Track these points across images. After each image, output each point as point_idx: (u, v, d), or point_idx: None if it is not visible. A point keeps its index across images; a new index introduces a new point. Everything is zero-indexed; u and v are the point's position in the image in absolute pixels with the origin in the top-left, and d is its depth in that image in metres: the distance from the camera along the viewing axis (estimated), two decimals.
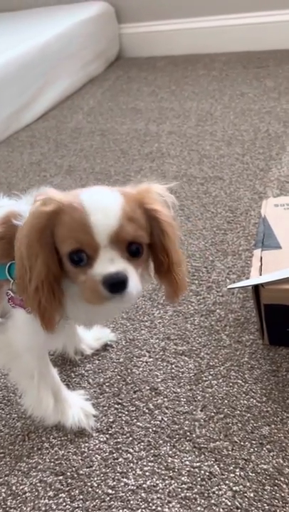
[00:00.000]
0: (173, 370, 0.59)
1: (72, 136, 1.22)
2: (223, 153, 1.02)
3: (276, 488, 0.46)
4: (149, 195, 0.45)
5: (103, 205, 0.41)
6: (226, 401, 0.54)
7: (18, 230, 0.43)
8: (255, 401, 0.54)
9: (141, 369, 0.60)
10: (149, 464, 0.50)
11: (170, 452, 0.51)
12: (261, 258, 0.57)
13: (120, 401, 0.57)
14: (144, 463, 0.50)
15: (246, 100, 1.22)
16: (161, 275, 0.46)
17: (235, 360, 0.59)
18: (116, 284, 0.40)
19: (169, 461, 0.50)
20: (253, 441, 0.50)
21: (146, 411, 0.55)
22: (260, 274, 0.55)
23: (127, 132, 1.19)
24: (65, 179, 1.04)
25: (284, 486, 0.46)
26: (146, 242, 0.43)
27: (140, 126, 1.21)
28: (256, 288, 0.55)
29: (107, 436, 0.53)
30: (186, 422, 0.53)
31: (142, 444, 0.52)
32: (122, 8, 1.65)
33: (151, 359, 0.61)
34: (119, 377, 0.59)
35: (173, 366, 0.59)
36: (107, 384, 0.59)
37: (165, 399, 0.56)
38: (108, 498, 0.48)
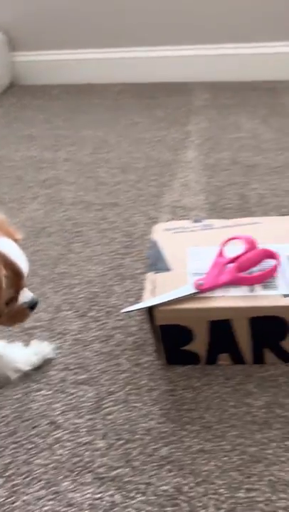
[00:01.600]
0: (72, 401, 0.58)
1: None
2: (118, 180, 1.05)
3: (176, 508, 0.46)
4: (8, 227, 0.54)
5: (17, 251, 0.50)
6: (126, 426, 0.54)
7: None
8: (154, 422, 0.54)
9: (39, 403, 0.58)
10: (49, 502, 0.48)
11: (71, 487, 0.49)
12: (153, 281, 0.59)
13: (17, 440, 0.54)
14: (44, 502, 0.48)
15: (139, 129, 1.27)
16: None
17: (134, 384, 0.59)
18: (36, 303, 0.55)
19: (70, 496, 0.48)
20: (153, 464, 0.50)
21: (46, 447, 0.53)
22: (153, 297, 0.56)
23: (22, 159, 1.17)
24: None
25: (183, 505, 0.47)
26: None
27: (35, 153, 1.20)
28: (150, 310, 0.56)
29: (3, 479, 0.50)
30: (87, 452, 0.52)
31: (41, 482, 0.50)
32: (15, 37, 1.64)
33: (50, 392, 0.59)
34: (15, 414, 0.57)
35: (72, 397, 0.58)
36: (3, 423, 0.56)
37: (65, 432, 0.54)
38: None
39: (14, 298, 0.51)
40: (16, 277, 0.49)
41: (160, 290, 0.57)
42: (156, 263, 0.61)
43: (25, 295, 0.53)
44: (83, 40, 1.59)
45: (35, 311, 0.56)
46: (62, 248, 0.85)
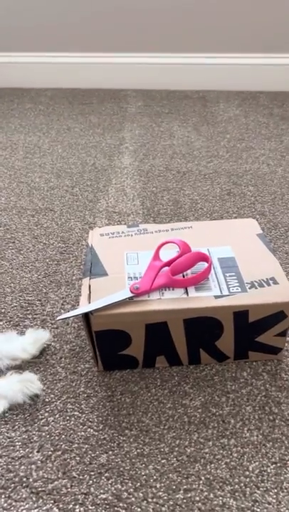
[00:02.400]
0: (6, 414, 0.55)
1: None
2: (52, 185, 1.03)
3: None
4: None
5: None
6: (63, 436, 0.53)
7: None
8: (92, 430, 0.53)
9: None
10: None
11: (5, 505, 0.47)
12: (90, 286, 0.58)
13: None
14: None
15: (73, 134, 1.26)
16: None
17: (71, 392, 0.58)
18: None
19: None
20: (92, 473, 0.50)
21: None
22: (89, 302, 0.56)
23: None
24: None
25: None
26: None
27: None
28: (86, 316, 0.55)
29: None
30: (22, 467, 0.50)
31: None
32: None
33: None
34: None
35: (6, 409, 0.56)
36: None
37: None
38: None
39: None
40: None
41: (96, 295, 0.56)
42: (93, 268, 0.61)
43: None
44: (15, 43, 1.56)
45: None
46: None
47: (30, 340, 0.63)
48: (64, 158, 1.15)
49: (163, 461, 0.50)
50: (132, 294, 0.56)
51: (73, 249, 0.83)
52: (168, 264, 0.59)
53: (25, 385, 0.57)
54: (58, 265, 0.79)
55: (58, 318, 0.55)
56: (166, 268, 0.58)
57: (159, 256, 0.60)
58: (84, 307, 0.55)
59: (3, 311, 0.70)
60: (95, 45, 1.53)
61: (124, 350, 0.58)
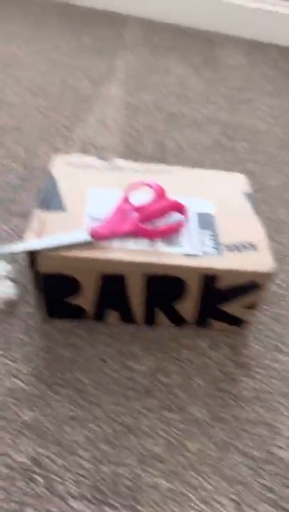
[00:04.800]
0: None
1: None
2: (26, 103, 0.91)
3: (30, 483, 0.40)
4: None
5: None
6: None
7: None
8: (21, 383, 0.47)
9: None
10: None
11: None
12: (42, 220, 0.49)
13: None
14: None
15: (60, 52, 1.12)
16: None
17: (4, 337, 0.51)
18: None
19: None
20: (13, 431, 0.43)
21: None
22: (39, 238, 0.47)
23: None
24: None
25: (39, 479, 0.40)
26: None
27: None
28: (32, 254, 0.47)
29: None
30: None
31: None
32: None
33: None
34: None
35: None
36: None
37: None
38: None
39: None
40: None
41: (47, 231, 0.48)
42: (49, 200, 0.52)
43: None
44: None
45: None
46: None
47: None
48: (44, 75, 1.02)
49: (95, 429, 0.45)
50: (90, 238, 0.48)
51: (36, 177, 0.73)
52: (138, 209, 0.51)
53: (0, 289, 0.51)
54: (14, 192, 0.70)
55: None
56: (135, 214, 0.50)
57: (129, 199, 0.52)
58: (30, 243, 0.46)
59: None
60: None
61: (72, 298, 0.51)
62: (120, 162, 0.59)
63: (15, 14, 1.28)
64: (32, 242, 0.47)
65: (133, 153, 0.82)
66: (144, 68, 1.11)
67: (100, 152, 0.81)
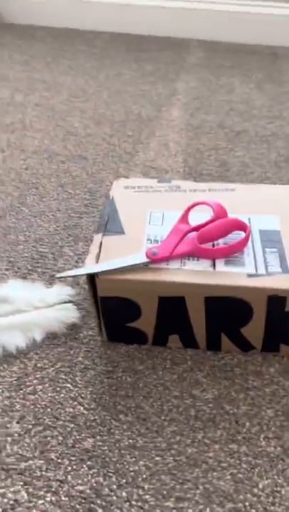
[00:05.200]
0: (44, 345, 0.49)
1: None
2: (90, 132, 0.94)
3: None
4: None
5: None
6: (48, 409, 0.46)
7: None
8: (82, 408, 0.46)
9: None
10: None
11: None
12: (101, 244, 0.49)
13: None
14: None
15: (123, 81, 1.16)
16: None
17: (67, 361, 0.51)
18: None
19: None
20: (73, 458, 0.43)
21: None
22: (97, 262, 0.47)
23: None
24: None
25: (99, 511, 0.39)
26: None
27: (5, 94, 1.08)
28: (92, 278, 0.47)
29: None
30: None
31: None
32: None
33: None
34: None
35: None
36: None
37: None
38: None
39: None
40: None
41: (107, 255, 0.48)
42: (109, 224, 0.52)
43: None
44: None
45: None
46: (14, 199, 0.75)
47: (53, 293, 0.56)
48: (108, 104, 1.05)
49: (157, 459, 0.43)
50: (147, 260, 0.47)
51: (99, 203, 0.74)
52: (196, 229, 0.49)
53: (60, 313, 0.53)
54: (80, 218, 0.71)
55: (58, 275, 0.47)
56: (194, 233, 0.49)
57: (187, 219, 0.50)
58: (89, 267, 0.47)
59: (12, 260, 0.63)
60: None
61: (132, 322, 0.50)
62: (181, 183, 0.59)
63: (81, 49, 1.35)
64: (91, 265, 0.47)
65: (195, 173, 0.81)
66: (206, 89, 1.11)
67: (162, 174, 0.81)
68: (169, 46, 1.36)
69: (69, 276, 0.48)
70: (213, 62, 1.26)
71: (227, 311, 0.47)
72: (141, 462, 0.42)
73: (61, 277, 0.48)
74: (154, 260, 0.47)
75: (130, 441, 0.44)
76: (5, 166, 0.83)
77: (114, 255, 0.48)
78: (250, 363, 0.51)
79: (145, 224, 0.52)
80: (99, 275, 0.46)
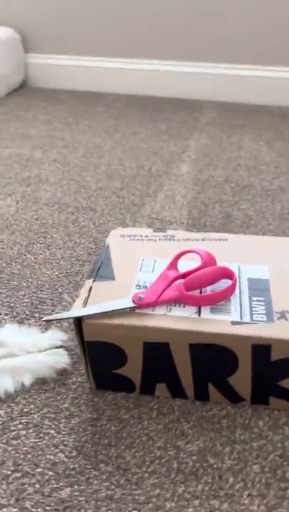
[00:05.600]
0: (32, 390, 0.49)
1: None
2: (101, 186, 0.98)
3: None
4: None
5: None
6: (29, 456, 0.46)
7: None
8: (63, 456, 0.46)
9: None
10: None
11: None
12: (90, 289, 0.51)
13: None
14: None
15: (137, 139, 1.22)
16: None
17: (53, 407, 0.50)
18: None
19: None
20: (48, 508, 0.41)
21: None
22: (84, 306, 0.48)
23: (9, 156, 1.12)
24: None
25: None
26: None
27: (25, 151, 1.15)
28: (79, 322, 0.48)
29: None
30: None
31: None
32: (29, 38, 1.63)
33: None
34: None
35: None
36: None
37: None
38: None
39: None
40: None
41: (94, 300, 0.49)
42: (101, 270, 0.53)
43: None
44: (97, 48, 1.56)
45: None
46: (21, 248, 0.78)
47: (45, 338, 0.57)
48: (121, 160, 1.10)
49: None
50: (133, 305, 0.47)
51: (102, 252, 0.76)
52: (184, 275, 0.50)
53: (51, 358, 0.54)
54: (82, 266, 0.73)
55: (45, 318, 0.48)
56: (181, 280, 0.50)
57: (176, 266, 0.51)
58: (76, 310, 0.48)
59: (12, 305, 0.65)
60: (176, 53, 1.49)
61: (118, 368, 0.50)
62: (175, 232, 0.60)
63: (101, 110, 1.43)
64: (77, 310, 0.48)
65: (198, 224, 0.83)
66: (216, 146, 1.15)
67: (166, 225, 0.83)
68: (183, 107, 1.44)
69: (55, 320, 0.49)
70: (226, 121, 1.31)
71: (212, 359, 0.47)
72: None
73: (47, 320, 0.49)
74: (140, 305, 0.48)
75: (108, 492, 0.43)
76: (17, 216, 0.87)
77: (102, 300, 0.49)
78: (239, 415, 0.49)
79: (136, 270, 0.53)
80: (85, 319, 0.47)
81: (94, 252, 0.77)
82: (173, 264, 0.51)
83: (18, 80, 1.65)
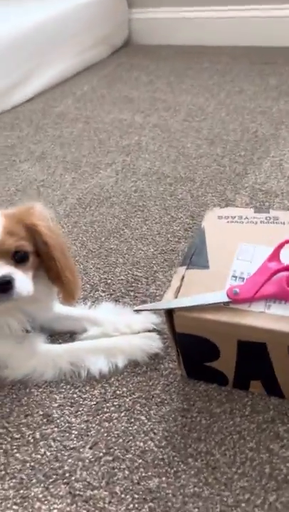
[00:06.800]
0: (74, 395, 0.51)
1: (56, 121, 1.15)
2: (202, 153, 0.93)
3: None
4: (29, 213, 0.52)
5: None
6: (120, 440, 0.47)
7: None
8: (152, 444, 0.46)
9: (40, 390, 0.53)
10: (13, 507, 0.43)
11: (40, 496, 0.43)
12: (183, 277, 0.48)
13: (7, 425, 0.49)
14: (9, 505, 0.43)
15: (243, 97, 1.13)
16: (54, 279, 0.53)
17: (145, 392, 0.51)
18: (2, 284, 0.47)
19: (36, 506, 0.43)
20: (136, 496, 0.42)
21: (31, 440, 0.48)
22: (176, 297, 0.47)
23: (111, 121, 1.11)
24: (33, 166, 0.97)
25: None
26: (30, 250, 0.51)
27: (127, 116, 1.13)
28: (169, 313, 0.46)
29: None
30: (70, 460, 0.46)
31: (14, 480, 0.45)
32: None
33: (54, 380, 0.53)
34: (14, 396, 0.52)
35: (76, 391, 0.52)
36: None
37: (56, 428, 0.49)
38: None
39: None
40: None
41: (186, 290, 0.47)
42: (194, 256, 0.51)
43: None
44: None
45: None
46: (119, 222, 0.78)
47: (139, 320, 0.57)
48: (224, 123, 1.03)
49: None
50: (228, 299, 0.44)
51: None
52: (287, 268, 0.45)
53: (144, 341, 0.54)
54: (177, 243, 0.71)
55: (136, 308, 0.48)
56: (284, 274, 0.45)
57: (278, 256, 0.47)
58: (166, 302, 0.46)
59: (108, 282, 0.66)
60: None
61: (210, 362, 0.48)
62: (280, 214, 0.55)
63: (205, 66, 1.35)
64: (169, 300, 0.46)
65: None
66: None
67: (271, 198, 0.77)
68: None
69: (146, 310, 0.48)
70: None
71: None
72: None
73: (139, 310, 0.48)
74: (236, 300, 0.44)
75: (196, 489, 0.42)
76: (116, 188, 0.87)
77: (195, 291, 0.47)
78: None
79: (233, 259, 0.49)
80: (176, 311, 0.45)
81: (190, 229, 0.74)
82: (275, 254, 0.47)
83: (122, 39, 1.61)
